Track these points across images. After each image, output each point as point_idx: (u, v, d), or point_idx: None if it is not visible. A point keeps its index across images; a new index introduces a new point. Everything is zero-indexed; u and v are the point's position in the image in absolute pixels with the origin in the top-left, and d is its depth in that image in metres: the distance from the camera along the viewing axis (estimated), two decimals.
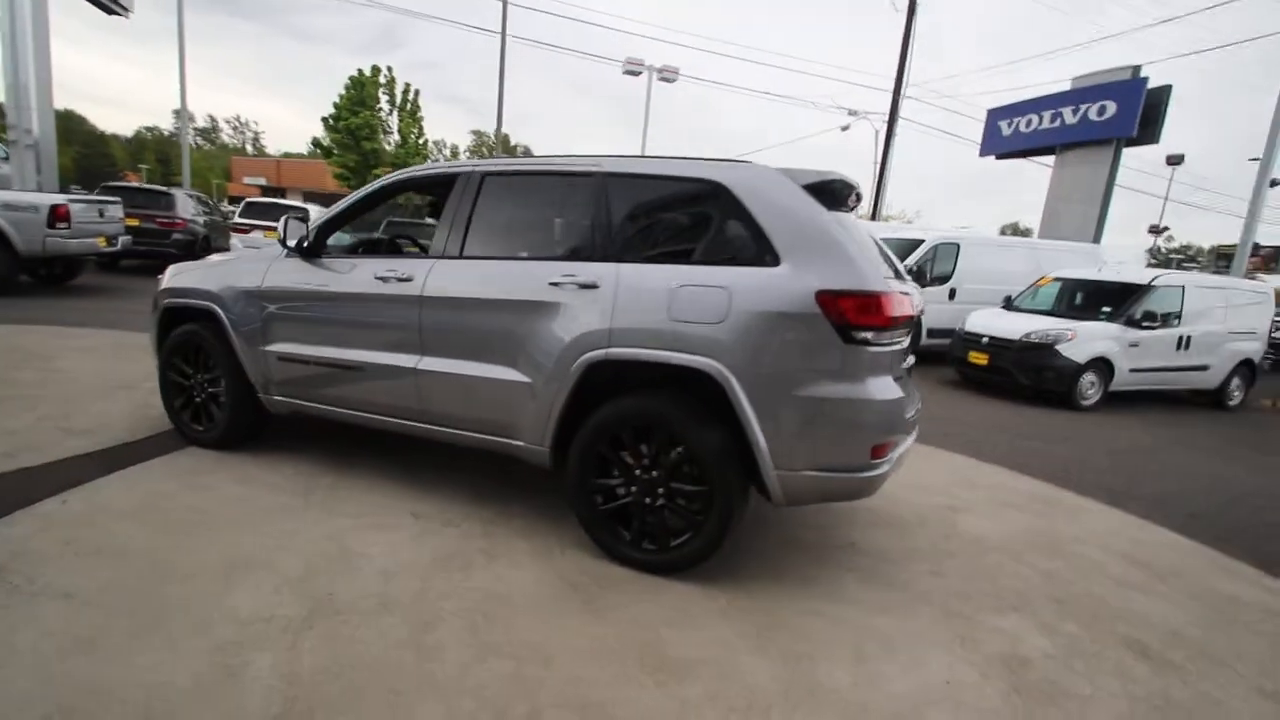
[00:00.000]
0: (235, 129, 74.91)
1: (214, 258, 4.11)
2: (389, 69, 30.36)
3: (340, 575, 2.42)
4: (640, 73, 20.34)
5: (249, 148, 70.67)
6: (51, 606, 2.08)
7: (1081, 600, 2.81)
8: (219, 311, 3.47)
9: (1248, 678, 2.35)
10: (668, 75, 20.48)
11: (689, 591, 2.53)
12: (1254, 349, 8.54)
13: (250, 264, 3.55)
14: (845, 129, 27.62)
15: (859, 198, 2.72)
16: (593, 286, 2.63)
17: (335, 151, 29.82)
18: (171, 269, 3.92)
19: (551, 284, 2.71)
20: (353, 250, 3.86)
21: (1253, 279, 11.04)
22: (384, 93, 30.66)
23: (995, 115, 23.46)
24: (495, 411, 2.89)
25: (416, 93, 31.24)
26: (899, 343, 2.52)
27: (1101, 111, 20.41)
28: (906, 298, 2.56)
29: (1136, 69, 20.22)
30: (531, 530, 2.97)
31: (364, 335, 3.15)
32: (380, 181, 3.35)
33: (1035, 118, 22.50)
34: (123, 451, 3.51)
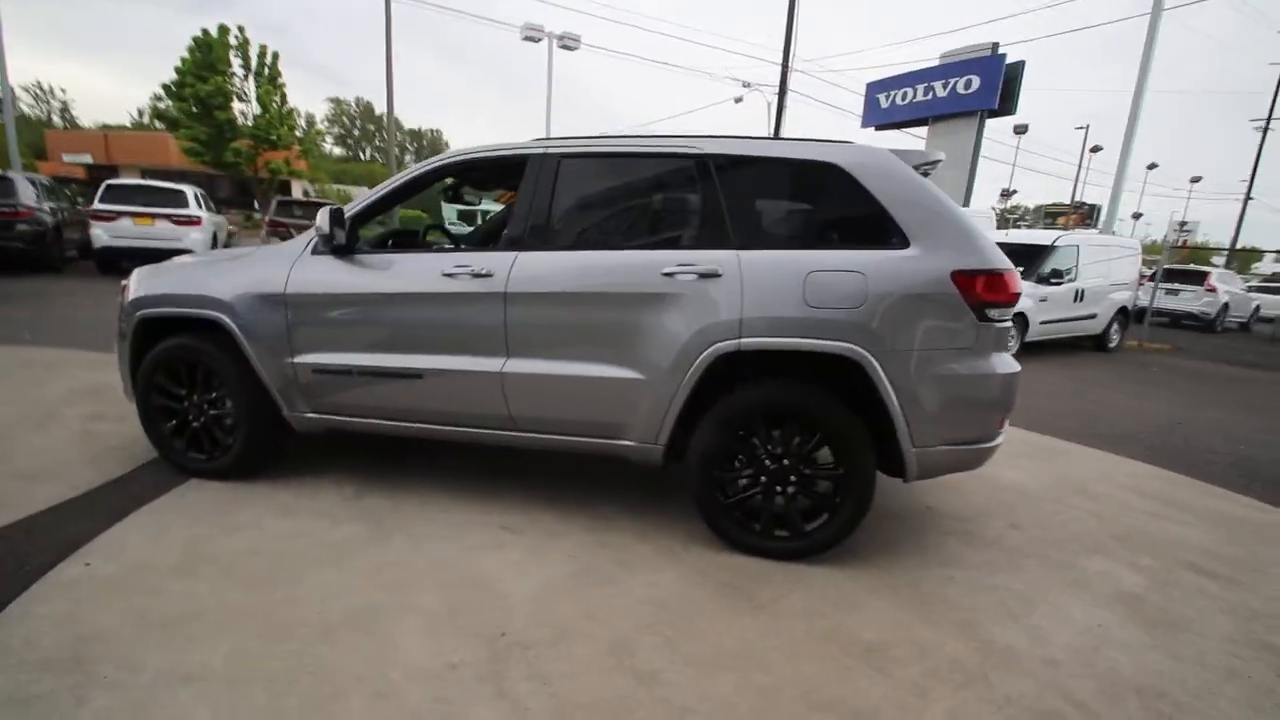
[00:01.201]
0: (37, 98, 63.21)
1: (185, 259, 3.49)
2: (240, 29, 26.92)
3: (489, 608, 2.20)
4: (540, 39, 19.52)
5: (56, 119, 60.03)
6: (184, 695, 1.72)
7: (1134, 535, 3.17)
8: (227, 321, 2.96)
9: None
10: (569, 43, 19.82)
11: (830, 575, 2.57)
12: (1128, 297, 9.95)
13: (261, 264, 3.05)
14: (739, 100, 28.28)
15: None
16: (714, 275, 2.52)
17: (183, 122, 26.17)
18: (139, 274, 3.28)
19: (665, 274, 2.57)
20: (381, 245, 3.43)
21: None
22: (236, 56, 27.20)
23: (874, 89, 24.98)
24: (598, 412, 2.72)
25: (275, 56, 27.99)
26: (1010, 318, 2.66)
27: (968, 85, 22.34)
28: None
29: (995, 46, 22.29)
30: (640, 531, 2.86)
31: (429, 339, 2.83)
32: (424, 166, 2.97)
33: (910, 91, 24.20)
34: (111, 495, 2.95)
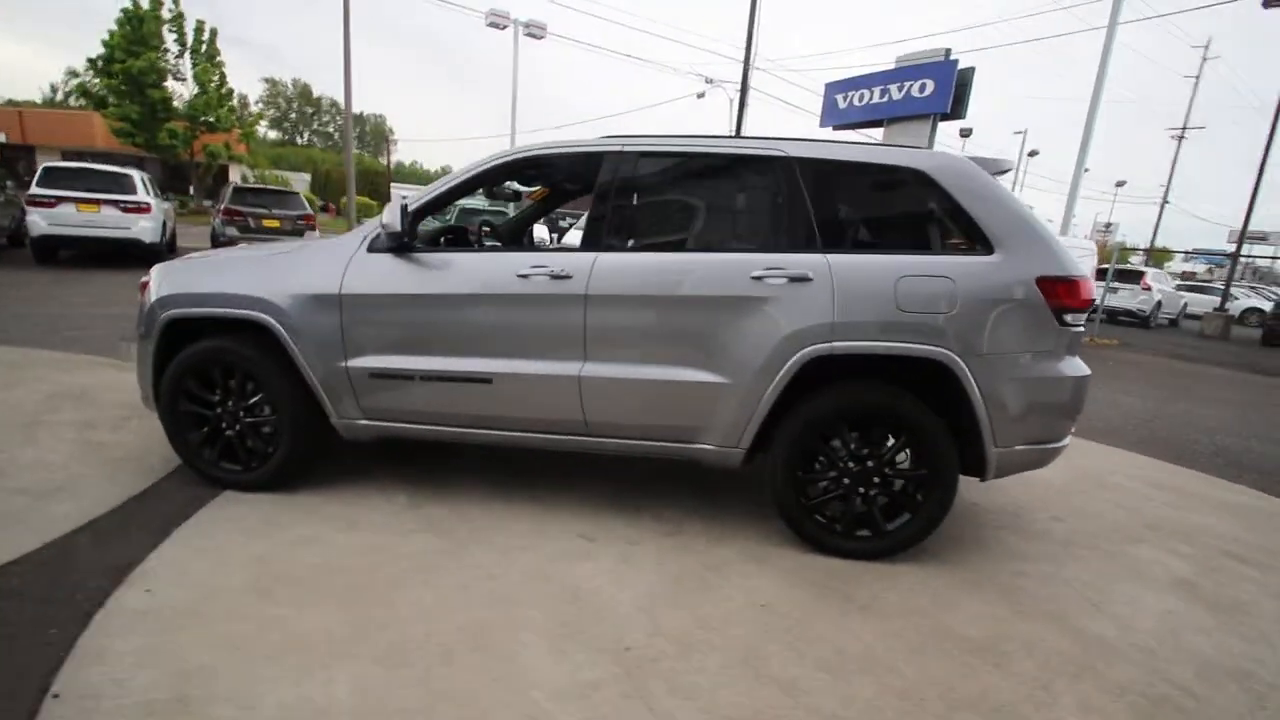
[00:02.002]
0: None
1: (214, 254, 3.24)
2: (174, 1, 25.15)
3: (601, 620, 2.15)
4: (505, 26, 19.06)
5: None
6: None
7: (1163, 525, 3.37)
8: (273, 323, 2.77)
9: None
10: (535, 31, 19.43)
11: (915, 573, 2.62)
12: None
13: (311, 262, 2.86)
14: (701, 96, 28.43)
15: None
16: (804, 280, 2.52)
17: (111, 100, 24.31)
18: (163, 270, 3.03)
19: (754, 278, 2.55)
20: (434, 242, 3.27)
21: None
22: (170, 30, 25.42)
23: (832, 89, 25.44)
24: (678, 416, 2.69)
25: (213, 32, 26.30)
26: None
27: (923, 89, 23.06)
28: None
29: (948, 51, 23.13)
30: (713, 534, 2.85)
31: (501, 342, 2.72)
32: (490, 161, 2.85)
33: (867, 92, 24.77)
34: (140, 512, 2.73)
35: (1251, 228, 21.38)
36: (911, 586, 2.51)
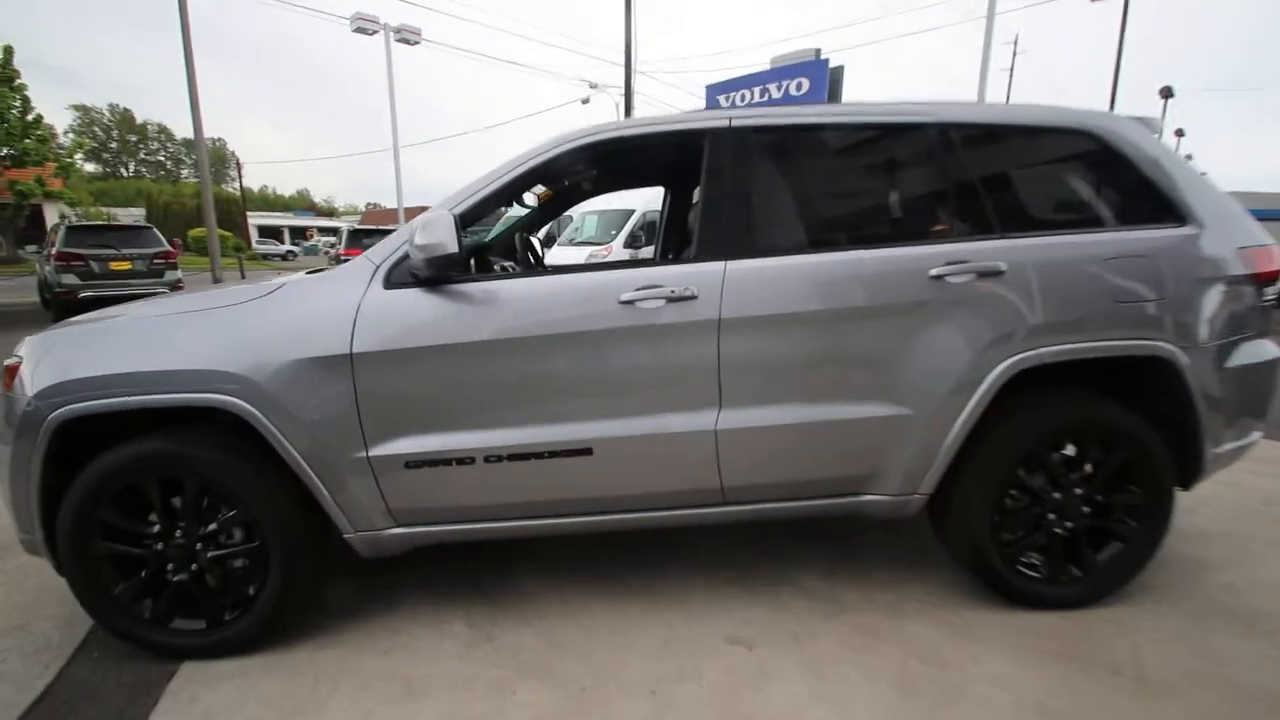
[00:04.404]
0: None
1: (135, 308, 2.17)
2: None
3: None
4: (375, 32, 17.43)
5: None
6: None
7: None
8: (247, 407, 1.84)
9: None
10: (408, 36, 17.92)
11: (1138, 616, 2.15)
12: None
13: (293, 309, 1.95)
14: (586, 102, 27.94)
15: None
16: (995, 273, 1.99)
17: None
18: (38, 345, 1.97)
19: (933, 277, 1.99)
20: (464, 265, 2.39)
21: None
22: None
23: (714, 90, 25.85)
24: (842, 465, 2.08)
25: (8, 50, 22.13)
26: None
27: (799, 87, 23.99)
28: None
29: (818, 51, 24.24)
30: (890, 602, 2.24)
31: (601, 397, 1.97)
32: (552, 147, 2.05)
33: (747, 93, 25.42)
34: (70, 705, 1.71)
35: None
36: (1156, 635, 2.05)
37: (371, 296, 1.93)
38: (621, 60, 19.16)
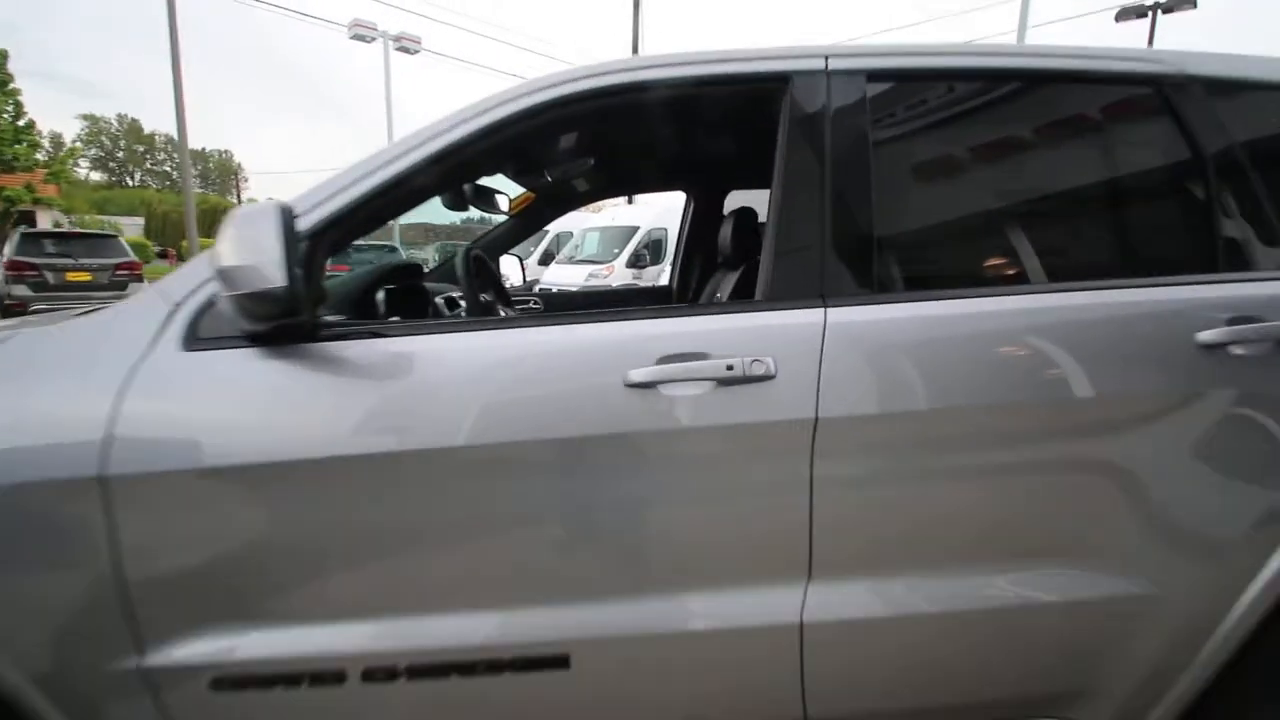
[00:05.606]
0: None
1: None
2: None
3: None
4: (373, 40, 16.76)
5: None
6: None
7: None
8: None
9: None
10: (407, 44, 17.24)
11: None
12: None
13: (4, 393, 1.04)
14: None
15: None
16: None
17: None
18: None
19: (1204, 345, 1.07)
20: (354, 313, 1.48)
21: None
22: None
23: None
24: (1025, 677, 1.15)
25: (3, 55, 21.62)
26: None
27: None
28: None
29: None
30: None
31: (581, 565, 1.05)
32: (524, 93, 1.13)
33: None
34: None
35: None
36: None
37: (155, 364, 1.02)
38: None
